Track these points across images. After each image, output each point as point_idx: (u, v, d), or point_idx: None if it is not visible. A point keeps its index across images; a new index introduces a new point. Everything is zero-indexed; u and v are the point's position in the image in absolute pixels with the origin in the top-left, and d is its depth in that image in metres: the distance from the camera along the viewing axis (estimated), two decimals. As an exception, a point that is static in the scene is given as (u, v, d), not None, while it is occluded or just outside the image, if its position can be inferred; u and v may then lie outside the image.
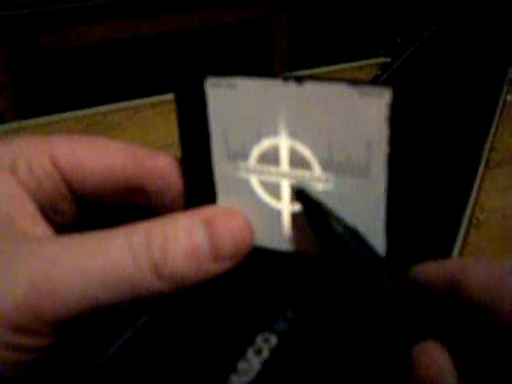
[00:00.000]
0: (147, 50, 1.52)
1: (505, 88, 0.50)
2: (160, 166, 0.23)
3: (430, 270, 0.19)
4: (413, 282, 0.19)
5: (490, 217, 0.41)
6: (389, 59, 0.61)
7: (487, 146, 0.40)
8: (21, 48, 1.31)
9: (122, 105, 0.67)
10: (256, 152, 0.21)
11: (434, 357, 0.17)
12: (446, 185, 0.32)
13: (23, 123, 0.64)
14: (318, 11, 1.72)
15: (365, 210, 0.20)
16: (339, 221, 0.20)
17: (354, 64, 0.75)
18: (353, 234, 0.20)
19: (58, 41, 1.33)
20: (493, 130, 0.43)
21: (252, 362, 0.20)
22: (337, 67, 0.75)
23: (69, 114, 0.65)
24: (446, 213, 0.30)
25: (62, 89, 1.44)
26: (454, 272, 0.18)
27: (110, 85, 1.46)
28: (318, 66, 0.76)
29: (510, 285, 0.17)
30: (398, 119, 0.19)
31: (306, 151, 0.20)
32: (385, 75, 0.50)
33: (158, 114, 0.64)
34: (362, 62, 0.75)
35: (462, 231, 0.29)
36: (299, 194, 0.21)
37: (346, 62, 0.76)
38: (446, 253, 0.27)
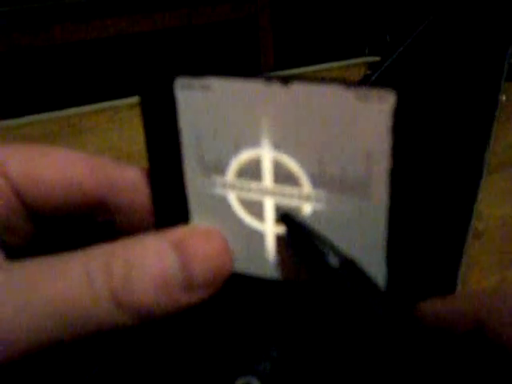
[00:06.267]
0: (128, 49, 1.52)
1: (502, 88, 0.48)
2: (125, 180, 0.21)
3: (439, 306, 0.18)
4: (420, 322, 0.17)
5: (489, 226, 0.39)
6: (375, 58, 0.60)
7: (488, 154, 0.38)
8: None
9: (98, 106, 0.65)
10: (234, 165, 0.19)
11: None
12: (450, 202, 0.30)
13: (-8, 125, 0.61)
14: (304, 9, 1.73)
15: (362, 234, 0.18)
16: (334, 251, 0.17)
17: (342, 63, 0.75)
18: (350, 266, 0.17)
19: (33, 40, 1.32)
20: (493, 134, 0.41)
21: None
22: (324, 66, 0.74)
23: (42, 116, 0.64)
24: (451, 234, 0.28)
25: (36, 89, 1.42)
26: (476, 308, 0.17)
27: (87, 85, 1.44)
28: (305, 65, 0.75)
29: None
30: (402, 128, 0.16)
31: (292, 165, 0.18)
32: (375, 75, 0.48)
33: (137, 116, 0.62)
34: (350, 61, 0.74)
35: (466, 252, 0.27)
36: (285, 218, 0.18)
37: (332, 60, 0.75)
38: (450, 284, 0.25)
